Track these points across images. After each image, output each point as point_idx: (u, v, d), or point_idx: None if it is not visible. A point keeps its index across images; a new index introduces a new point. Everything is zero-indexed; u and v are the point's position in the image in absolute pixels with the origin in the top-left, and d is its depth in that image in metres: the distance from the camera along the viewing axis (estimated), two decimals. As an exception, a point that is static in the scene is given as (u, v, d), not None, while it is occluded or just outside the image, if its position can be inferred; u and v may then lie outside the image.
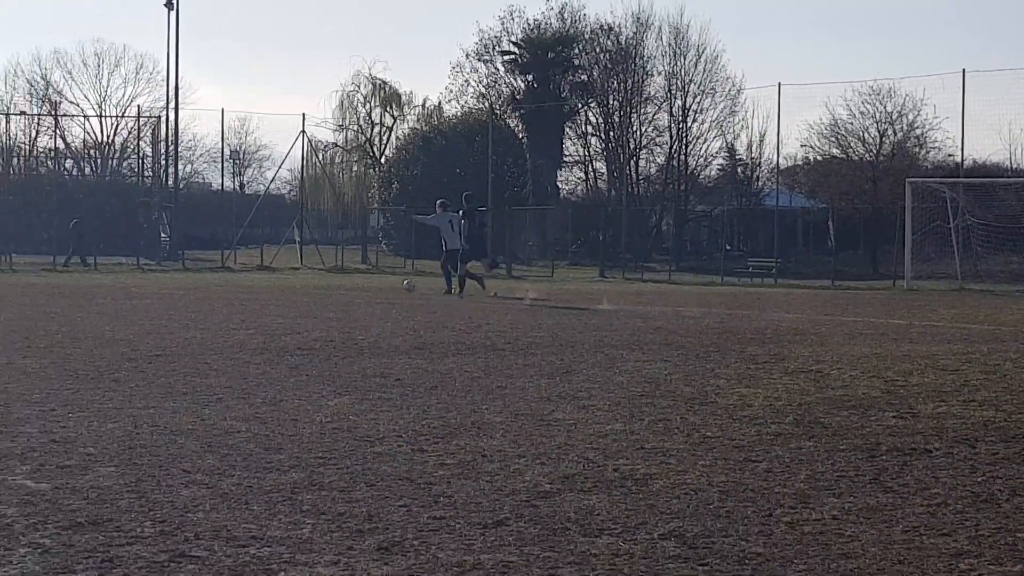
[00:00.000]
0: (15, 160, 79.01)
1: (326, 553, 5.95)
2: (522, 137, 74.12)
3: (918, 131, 65.61)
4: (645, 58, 72.34)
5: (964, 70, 52.13)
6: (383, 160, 73.37)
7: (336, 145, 70.59)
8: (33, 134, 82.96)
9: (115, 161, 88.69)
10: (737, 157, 73.44)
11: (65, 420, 9.75)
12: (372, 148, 72.19)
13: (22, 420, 9.71)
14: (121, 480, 7.49)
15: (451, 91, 77.56)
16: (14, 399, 10.89)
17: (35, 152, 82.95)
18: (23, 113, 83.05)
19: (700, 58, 71.55)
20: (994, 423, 10.25)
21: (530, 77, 73.14)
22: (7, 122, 75.05)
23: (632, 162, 72.85)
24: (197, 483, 7.45)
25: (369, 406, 10.79)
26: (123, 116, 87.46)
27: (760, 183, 73.86)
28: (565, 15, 73.60)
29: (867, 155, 65.54)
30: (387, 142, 73.50)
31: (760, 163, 73.27)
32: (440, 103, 76.16)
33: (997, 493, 7.44)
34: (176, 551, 5.94)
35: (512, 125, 74.57)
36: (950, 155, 63.75)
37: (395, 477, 7.73)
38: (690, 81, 71.56)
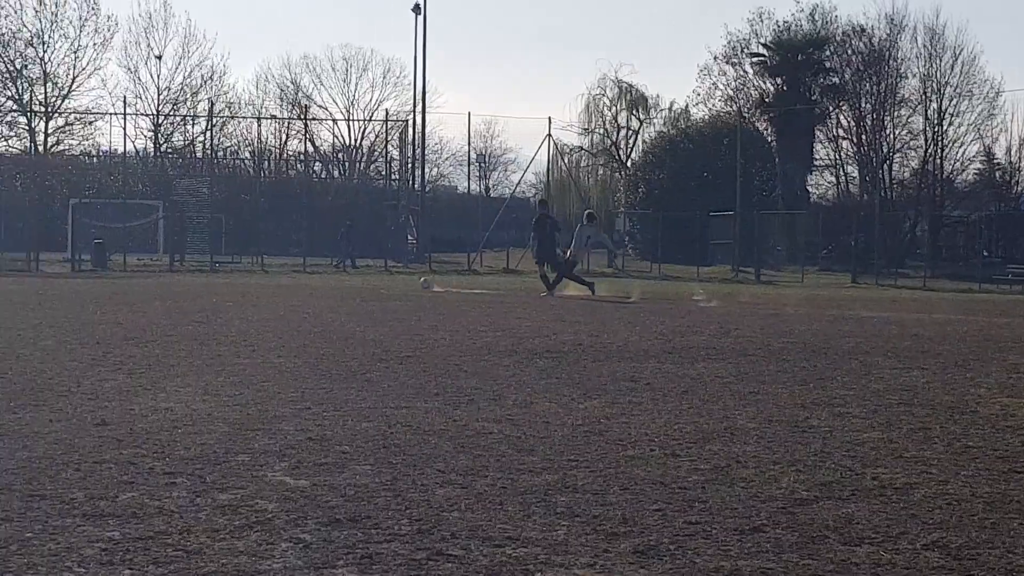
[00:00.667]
0: (266, 163, 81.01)
1: (582, 555, 5.93)
2: (771, 140, 73.36)
3: None
4: (899, 60, 71.03)
5: None
6: (629, 164, 73.32)
7: (582, 149, 70.89)
8: (283, 138, 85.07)
9: (362, 164, 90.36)
10: (996, 161, 71.63)
11: (320, 418, 9.92)
12: (618, 152, 72.27)
13: (279, 418, 9.90)
14: (377, 478, 7.58)
15: (698, 94, 77.27)
16: (270, 397, 11.12)
17: (285, 155, 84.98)
18: (274, 117, 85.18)
19: (957, 60, 69.99)
20: None
21: (779, 80, 72.34)
22: (258, 126, 77.00)
23: (885, 166, 71.56)
24: (451, 483, 7.50)
25: (620, 410, 10.76)
26: (370, 120, 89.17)
27: (1020, 188, 71.89)
28: (816, 16, 72.67)
29: None
30: (633, 146, 73.54)
31: (1021, 167, 71.35)
32: (687, 106, 75.93)
33: None
34: (433, 549, 5.98)
35: (760, 128, 73.82)
36: None
37: (649, 481, 7.68)
38: (946, 83, 70.02)
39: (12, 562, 5.62)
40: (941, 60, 70.17)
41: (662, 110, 74.76)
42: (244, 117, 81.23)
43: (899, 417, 10.71)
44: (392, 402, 10.94)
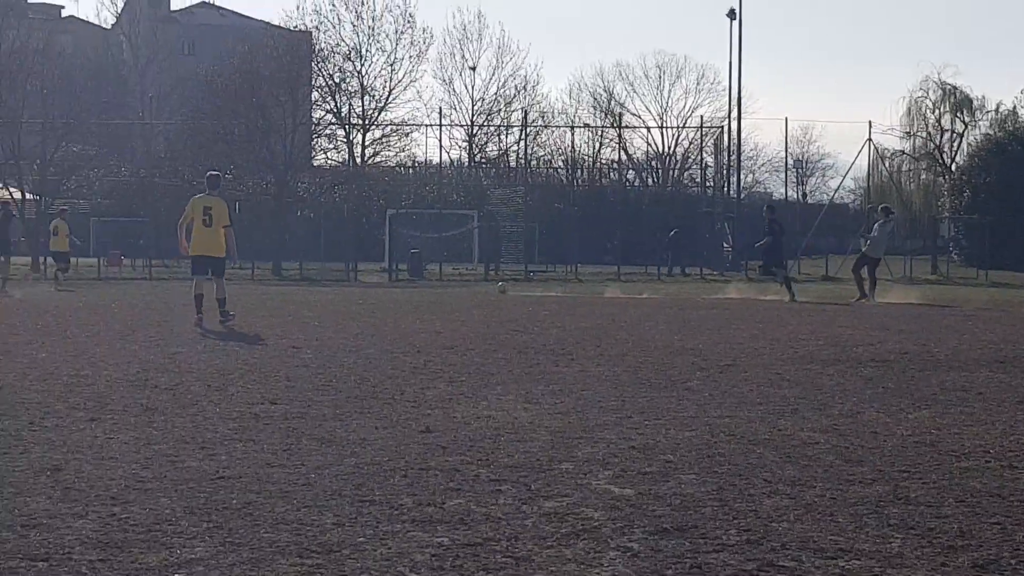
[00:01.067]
0: (579, 172, 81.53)
1: (918, 569, 5.75)
2: (1106, 141, 70.54)
3: None
4: None
5: None
6: (953, 168, 71.49)
7: (903, 153, 69.37)
8: (596, 146, 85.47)
9: (676, 172, 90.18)
10: None
11: (642, 427, 9.87)
12: (941, 156, 70.48)
13: (601, 426, 9.88)
14: (703, 488, 7.48)
15: (1027, 95, 74.79)
16: (591, 406, 11.12)
17: (598, 164, 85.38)
18: (587, 126, 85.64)
19: None
20: None
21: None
22: (572, 135, 77.58)
23: None
24: (779, 493, 7.36)
25: (951, 420, 10.43)
26: (684, 127, 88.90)
27: None
28: None
29: None
30: (957, 149, 71.57)
31: None
32: (1015, 108, 73.54)
33: None
34: (763, 560, 5.87)
35: (1097, 129, 71.06)
36: None
37: (986, 493, 7.41)
38: None
39: (346, 566, 5.70)
40: None
41: (988, 112, 72.56)
42: (557, 126, 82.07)
43: None
44: (714, 411, 10.83)
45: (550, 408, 10.90)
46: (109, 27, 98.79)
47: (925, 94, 70.12)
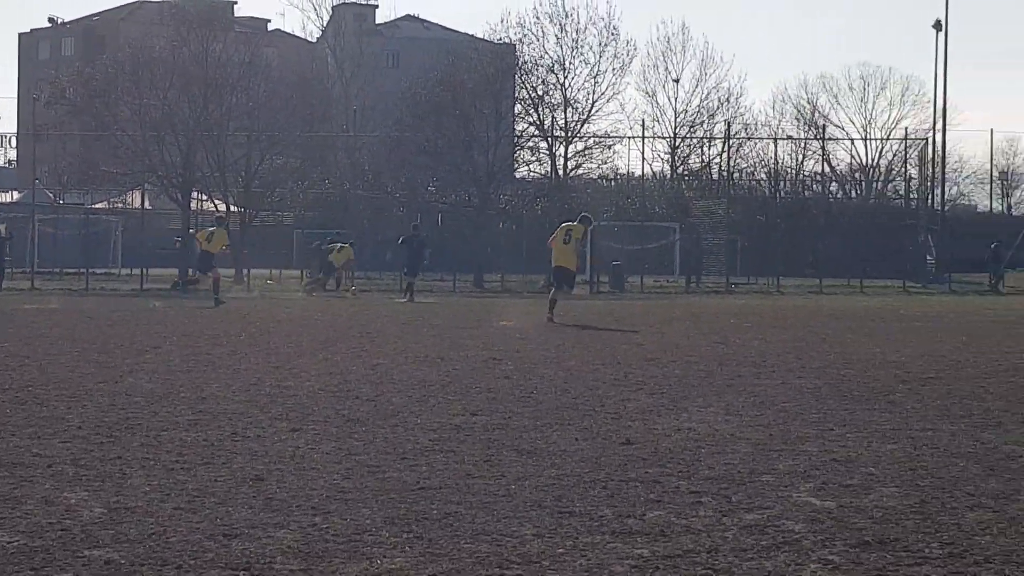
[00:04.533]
0: (782, 184, 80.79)
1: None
2: None
3: None
4: None
5: None
6: None
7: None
8: (799, 158, 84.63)
9: (880, 184, 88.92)
10: None
11: (844, 439, 9.83)
12: None
13: (802, 439, 9.87)
14: (905, 501, 7.46)
15: None
16: (792, 418, 11.10)
17: (801, 176, 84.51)
18: (790, 138, 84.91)
19: None
20: None
21: None
22: (775, 147, 76.82)
23: None
24: (982, 506, 7.31)
25: None
26: (888, 139, 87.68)
27: None
28: None
29: None
30: None
31: None
32: None
33: None
34: (966, 573, 5.88)
35: None
36: None
37: None
38: None
39: (547, 576, 5.82)
40: None
41: None
42: (760, 138, 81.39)
43: None
44: (916, 424, 10.74)
45: (751, 420, 10.91)
46: (315, 40, 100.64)
47: None
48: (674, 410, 11.53)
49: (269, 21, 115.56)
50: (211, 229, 35.37)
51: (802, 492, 7.72)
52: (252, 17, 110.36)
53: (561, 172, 67.56)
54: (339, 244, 45.52)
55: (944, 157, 70.19)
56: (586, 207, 59.42)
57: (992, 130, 68.93)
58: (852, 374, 15.05)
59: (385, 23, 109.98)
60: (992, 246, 57.16)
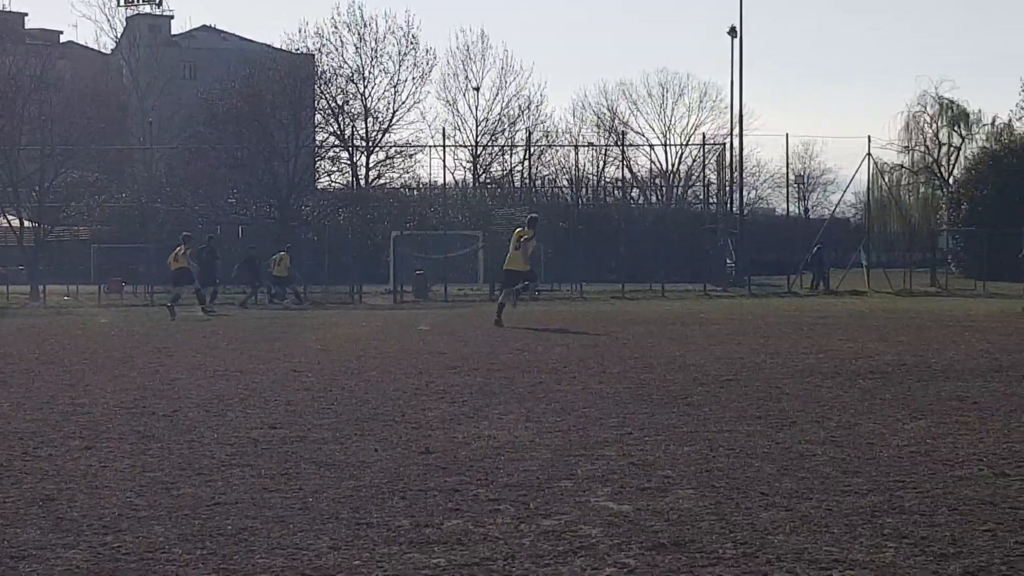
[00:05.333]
0: (583, 191, 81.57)
1: (911, 579, 5.81)
2: (1099, 154, 70.62)
3: None
4: None
5: None
6: (951, 181, 71.57)
7: (902, 167, 69.36)
8: (600, 164, 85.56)
9: (680, 189, 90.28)
10: None
11: (642, 443, 9.93)
12: (939, 169, 70.55)
13: (601, 443, 9.94)
14: (700, 502, 7.54)
15: (1022, 108, 74.92)
16: (592, 423, 11.18)
17: (602, 182, 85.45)
18: (591, 144, 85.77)
19: None
20: None
21: (1107, 89, 69.74)
22: (576, 154, 77.61)
23: None
24: (776, 506, 7.42)
25: (946, 430, 10.50)
26: (687, 144, 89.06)
27: None
28: None
29: None
30: (955, 163, 71.67)
31: None
32: (1010, 121, 73.72)
33: None
34: (758, 573, 5.94)
35: (1089, 141, 71.14)
36: None
37: (978, 501, 7.48)
38: None
39: (343, 587, 5.76)
40: None
41: (984, 125, 72.67)
42: (561, 145, 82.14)
43: None
44: (714, 426, 10.89)
45: (551, 426, 10.96)
46: (109, 52, 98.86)
47: (923, 109, 70.23)
48: (475, 418, 11.54)
49: (61, 33, 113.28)
50: (179, 248, 36.73)
51: (600, 496, 7.76)
52: (44, 29, 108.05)
53: (363, 182, 67.47)
54: (278, 254, 46.34)
55: (742, 162, 71.48)
56: (388, 216, 59.35)
57: (787, 135, 70.16)
58: (652, 378, 15.21)
59: (181, 34, 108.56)
60: (815, 249, 58.44)
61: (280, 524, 7.05)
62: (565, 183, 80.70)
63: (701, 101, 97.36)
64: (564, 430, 10.70)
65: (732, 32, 65.16)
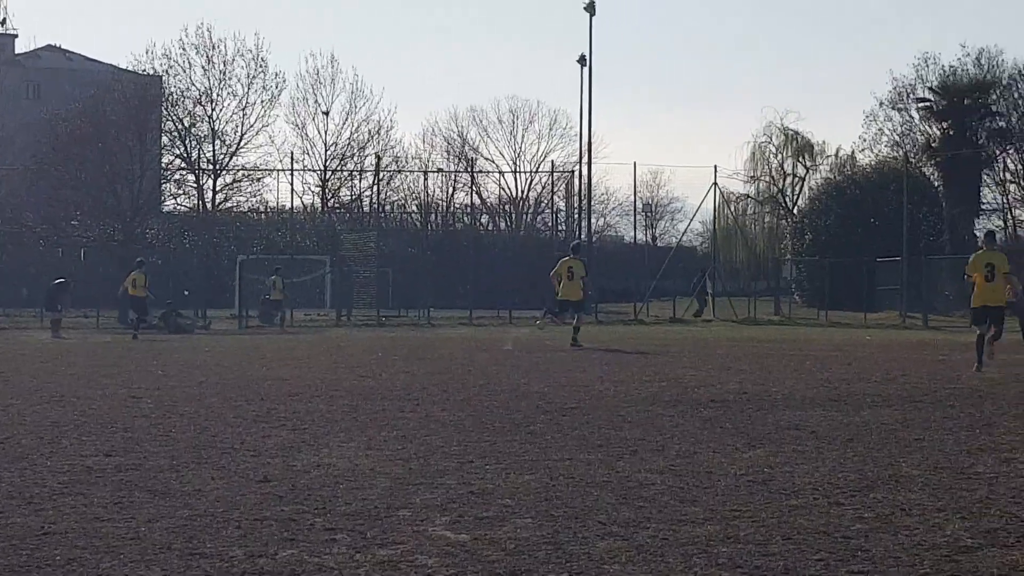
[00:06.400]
0: (433, 216, 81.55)
1: (743, 609, 5.84)
2: (937, 185, 72.23)
3: None
4: (1068, 102, 69.60)
5: None
6: (795, 211, 72.79)
7: (748, 196, 70.47)
8: (450, 191, 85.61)
9: (529, 216, 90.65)
10: None
11: (483, 472, 9.91)
12: (784, 199, 71.73)
13: (441, 472, 9.90)
14: (538, 532, 7.53)
15: (864, 140, 76.28)
16: (433, 451, 11.13)
17: (452, 208, 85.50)
18: (440, 170, 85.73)
19: None
20: None
21: (946, 124, 71.24)
22: (425, 179, 77.54)
23: (1055, 209, 70.24)
24: (613, 535, 7.44)
25: (784, 459, 10.62)
26: (537, 171, 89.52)
27: None
28: (982, 61, 71.41)
29: None
30: (799, 192, 72.95)
31: None
32: (853, 152, 75.17)
33: None
34: (591, 604, 5.92)
35: (927, 173, 72.75)
36: None
37: (812, 531, 7.55)
38: (1119, 124, 68.37)
39: (171, 620, 5.65)
40: (1113, 100, 68.59)
41: (828, 156, 74.15)
42: (411, 171, 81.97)
43: (1070, 462, 10.51)
44: (555, 454, 10.90)
45: (392, 454, 10.90)
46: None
47: (769, 139, 71.48)
48: (315, 446, 11.44)
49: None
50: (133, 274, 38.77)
51: (437, 526, 7.73)
52: None
53: (210, 205, 66.80)
54: (272, 279, 47.94)
55: (590, 189, 71.81)
56: (235, 240, 58.81)
57: (635, 163, 71.00)
58: (495, 405, 15.21)
59: (25, 53, 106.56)
60: (699, 276, 59.15)
61: (111, 554, 6.91)
62: (414, 208, 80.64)
63: (551, 128, 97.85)
64: (405, 458, 10.65)
65: (582, 60, 65.54)
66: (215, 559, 6.82)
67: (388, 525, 7.74)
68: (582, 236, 69.63)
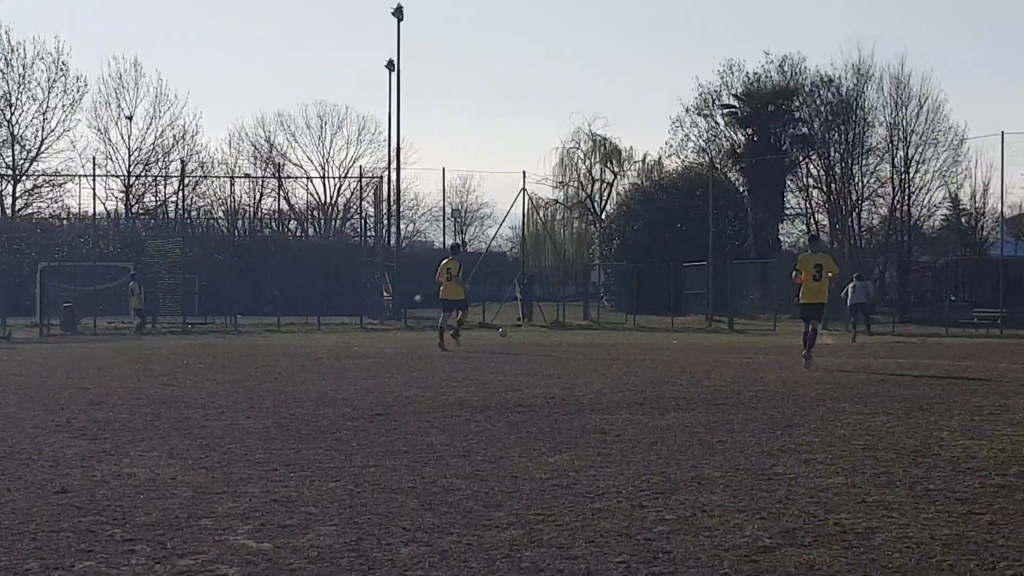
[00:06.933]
0: (240, 222, 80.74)
1: (544, 613, 5.86)
2: (743, 190, 73.50)
3: None
4: (866, 109, 71.16)
5: None
6: (604, 216, 73.48)
7: (557, 202, 70.84)
8: (258, 196, 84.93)
9: (338, 221, 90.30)
10: (961, 207, 71.89)
11: (287, 479, 9.83)
12: (593, 204, 72.33)
13: (245, 480, 9.80)
14: (341, 539, 7.49)
15: (671, 146, 77.39)
16: (237, 459, 11.02)
17: (259, 214, 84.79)
18: (247, 176, 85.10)
19: (922, 108, 70.04)
20: None
21: (750, 130, 72.46)
22: (232, 185, 76.74)
23: (854, 213, 71.84)
24: (417, 541, 7.42)
25: (589, 462, 10.70)
26: (345, 177, 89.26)
27: (984, 233, 72.33)
28: (785, 68, 72.81)
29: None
30: (607, 198, 73.60)
31: (984, 213, 71.80)
32: (660, 158, 76.11)
33: None
34: (394, 611, 5.90)
35: (733, 179, 73.99)
36: None
37: (614, 533, 7.62)
38: (912, 132, 70.18)
39: (-39, 636, 5.51)
40: (907, 108, 70.27)
41: (636, 162, 74.90)
42: (217, 176, 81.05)
43: (863, 462, 10.77)
44: (360, 461, 10.86)
45: (195, 463, 10.76)
46: None
47: (577, 145, 71.94)
48: (116, 455, 11.25)
49: None
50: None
51: (239, 535, 7.64)
52: None
53: (9, 211, 65.38)
54: (130, 285, 48.83)
55: (399, 195, 71.83)
56: (36, 247, 57.62)
57: (444, 168, 71.04)
58: (301, 412, 15.10)
59: None
60: (524, 281, 59.49)
61: (-102, 571, 6.72)
62: (221, 214, 79.70)
63: (360, 134, 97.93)
64: (208, 467, 10.52)
65: (390, 66, 65.50)
66: (9, 572, 6.66)
67: (189, 535, 7.64)
68: (391, 241, 69.65)
